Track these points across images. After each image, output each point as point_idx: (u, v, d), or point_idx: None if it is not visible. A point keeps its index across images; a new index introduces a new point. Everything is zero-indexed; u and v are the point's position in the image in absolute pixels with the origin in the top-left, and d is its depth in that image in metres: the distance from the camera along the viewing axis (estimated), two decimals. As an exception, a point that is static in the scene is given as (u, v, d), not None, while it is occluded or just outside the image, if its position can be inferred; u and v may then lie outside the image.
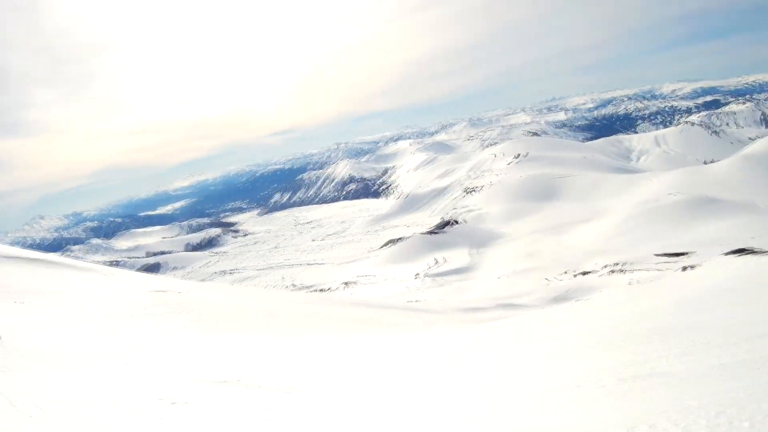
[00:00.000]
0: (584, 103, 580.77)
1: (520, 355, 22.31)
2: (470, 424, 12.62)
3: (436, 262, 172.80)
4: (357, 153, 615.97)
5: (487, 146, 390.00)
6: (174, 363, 26.98)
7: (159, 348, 31.35)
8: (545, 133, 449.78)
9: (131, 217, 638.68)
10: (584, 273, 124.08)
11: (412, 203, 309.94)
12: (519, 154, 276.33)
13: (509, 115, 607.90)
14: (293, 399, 19.68)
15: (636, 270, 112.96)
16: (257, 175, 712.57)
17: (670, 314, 23.84)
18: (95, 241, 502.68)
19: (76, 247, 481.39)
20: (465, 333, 37.97)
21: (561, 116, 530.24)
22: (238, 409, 18.30)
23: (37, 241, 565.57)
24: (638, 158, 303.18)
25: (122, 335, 34.74)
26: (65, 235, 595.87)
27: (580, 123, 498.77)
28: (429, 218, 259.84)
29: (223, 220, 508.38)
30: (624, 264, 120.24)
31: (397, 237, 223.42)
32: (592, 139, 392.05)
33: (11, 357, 24.33)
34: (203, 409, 18.40)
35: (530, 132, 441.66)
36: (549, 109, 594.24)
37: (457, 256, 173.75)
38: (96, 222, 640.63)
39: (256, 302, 63.76)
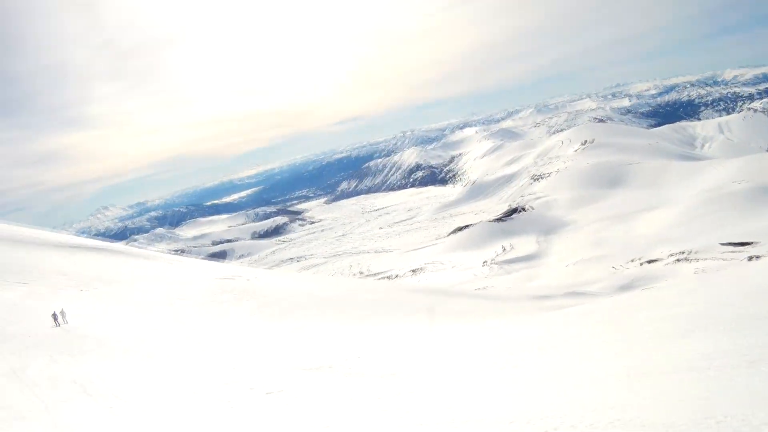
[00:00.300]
0: (648, 90, 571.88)
1: (618, 341, 21.27)
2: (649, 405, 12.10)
3: (504, 249, 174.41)
4: (423, 141, 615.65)
5: (554, 133, 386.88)
6: (254, 350, 28.27)
7: (232, 335, 33.76)
8: (610, 119, 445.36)
9: (196, 207, 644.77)
10: (650, 261, 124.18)
11: (479, 190, 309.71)
12: (585, 141, 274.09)
13: (575, 101, 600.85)
14: (399, 386, 19.45)
15: (702, 259, 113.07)
16: (323, 163, 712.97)
17: (744, 304, 23.42)
18: (160, 230, 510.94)
19: (141, 236, 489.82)
20: (546, 319, 37.37)
21: (625, 102, 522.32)
22: (345, 397, 18.47)
23: (102, 231, 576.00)
24: (702, 145, 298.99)
25: (192, 322, 37.28)
26: (130, 224, 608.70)
27: (644, 109, 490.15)
28: (496, 205, 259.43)
29: (290, 209, 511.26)
30: (690, 253, 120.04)
31: (465, 224, 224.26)
32: (656, 125, 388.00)
33: (79, 344, 26.57)
34: (305, 398, 18.79)
35: (596, 118, 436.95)
36: (613, 95, 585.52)
37: (525, 244, 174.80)
38: (160, 211, 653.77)
39: (325, 289, 65.81)
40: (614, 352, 19.06)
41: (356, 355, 26.26)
